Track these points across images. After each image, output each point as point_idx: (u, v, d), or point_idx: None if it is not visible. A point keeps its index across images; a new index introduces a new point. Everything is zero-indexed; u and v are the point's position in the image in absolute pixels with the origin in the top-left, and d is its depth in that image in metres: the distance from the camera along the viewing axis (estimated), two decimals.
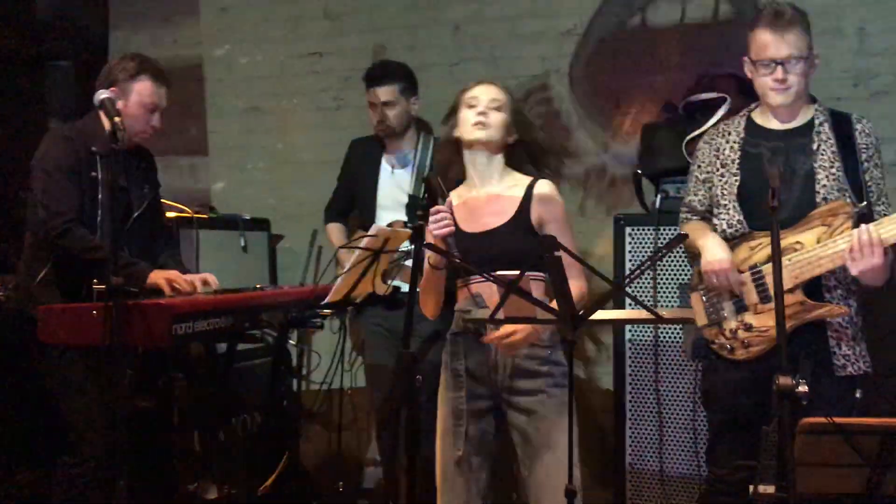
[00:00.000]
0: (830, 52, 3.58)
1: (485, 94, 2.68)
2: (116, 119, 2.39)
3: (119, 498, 2.25)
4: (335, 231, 4.01)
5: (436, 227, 2.47)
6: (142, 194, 3.14)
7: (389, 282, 3.63)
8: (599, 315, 1.91)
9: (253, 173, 4.63)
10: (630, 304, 3.30)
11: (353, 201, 3.97)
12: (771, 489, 2.12)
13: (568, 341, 1.95)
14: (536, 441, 2.58)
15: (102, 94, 2.50)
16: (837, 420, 1.91)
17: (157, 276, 2.92)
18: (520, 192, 2.66)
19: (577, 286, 2.42)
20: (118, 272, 2.79)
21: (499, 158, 2.70)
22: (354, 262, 2.96)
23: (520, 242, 2.58)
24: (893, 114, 3.53)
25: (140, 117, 3.02)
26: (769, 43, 2.65)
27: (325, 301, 3.01)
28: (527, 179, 2.69)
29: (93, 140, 2.89)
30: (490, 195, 2.69)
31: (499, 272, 2.21)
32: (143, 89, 3.01)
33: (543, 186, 2.69)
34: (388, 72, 3.69)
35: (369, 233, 2.94)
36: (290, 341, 3.84)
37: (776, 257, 1.96)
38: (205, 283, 2.97)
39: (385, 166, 3.83)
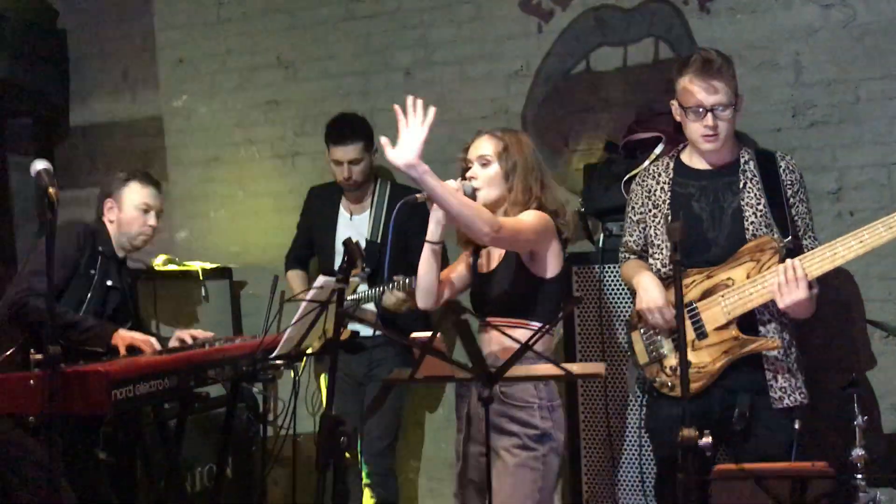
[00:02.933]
0: (768, 84, 3.65)
1: (473, 152, 2.71)
2: (51, 190, 2.44)
3: None
4: (295, 278, 4.06)
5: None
6: (125, 294, 3.34)
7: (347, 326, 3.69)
8: (512, 372, 1.95)
9: (215, 221, 4.68)
10: (580, 355, 3.35)
11: (312, 248, 4.03)
12: None
13: (484, 399, 1.98)
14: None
15: (38, 166, 2.54)
16: (748, 466, 1.95)
17: (119, 340, 3.03)
18: None
19: None
20: (79, 335, 2.94)
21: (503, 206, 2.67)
22: (301, 314, 3.00)
23: (509, 284, 2.60)
24: (831, 144, 3.59)
25: (137, 219, 3.32)
26: (698, 91, 2.72)
27: (275, 353, 3.04)
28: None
29: (100, 242, 3.25)
30: None
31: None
32: (134, 192, 3.32)
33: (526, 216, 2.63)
34: (352, 131, 3.73)
35: (315, 285, 2.97)
36: (255, 388, 3.88)
37: (679, 310, 2.01)
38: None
39: (343, 212, 3.90)
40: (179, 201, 4.72)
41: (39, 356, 2.37)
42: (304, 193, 4.13)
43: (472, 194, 2.60)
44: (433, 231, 2.65)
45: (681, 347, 1.98)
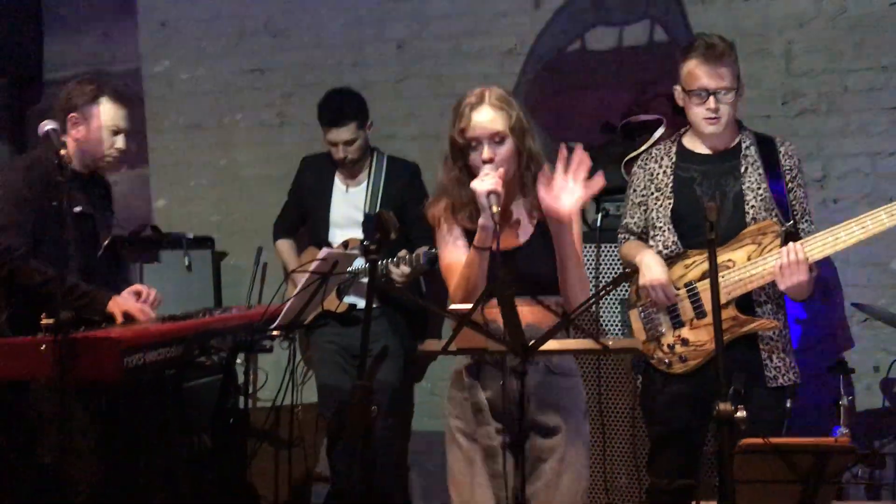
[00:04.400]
0: (759, 72, 3.74)
1: (485, 131, 2.33)
2: (62, 151, 2.37)
3: None
4: (285, 247, 4.02)
5: (483, 181, 2.23)
6: (108, 222, 3.12)
7: (344, 299, 3.67)
8: (549, 346, 1.98)
9: (196, 190, 4.61)
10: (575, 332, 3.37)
11: (303, 218, 4.00)
12: None
13: (519, 373, 2.00)
14: (552, 477, 2.35)
15: (47, 126, 2.47)
16: (773, 440, 2.02)
17: (115, 307, 2.91)
18: (537, 204, 2.34)
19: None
20: (75, 301, 2.80)
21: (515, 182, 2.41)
22: (304, 285, 2.98)
23: (542, 262, 2.35)
24: (819, 132, 3.69)
25: (104, 141, 3.01)
26: (702, 74, 2.78)
27: (275, 324, 3.03)
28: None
29: (51, 168, 2.79)
30: (509, 210, 2.42)
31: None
32: (104, 113, 2.98)
33: None
34: (344, 112, 3.68)
35: (318, 256, 2.96)
36: (238, 359, 3.85)
37: (714, 290, 2.05)
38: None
39: (339, 185, 3.86)
40: (159, 168, 4.63)
41: (50, 321, 2.31)
42: (291, 162, 4.08)
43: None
44: (485, 237, 2.29)
45: (715, 325, 2.03)
